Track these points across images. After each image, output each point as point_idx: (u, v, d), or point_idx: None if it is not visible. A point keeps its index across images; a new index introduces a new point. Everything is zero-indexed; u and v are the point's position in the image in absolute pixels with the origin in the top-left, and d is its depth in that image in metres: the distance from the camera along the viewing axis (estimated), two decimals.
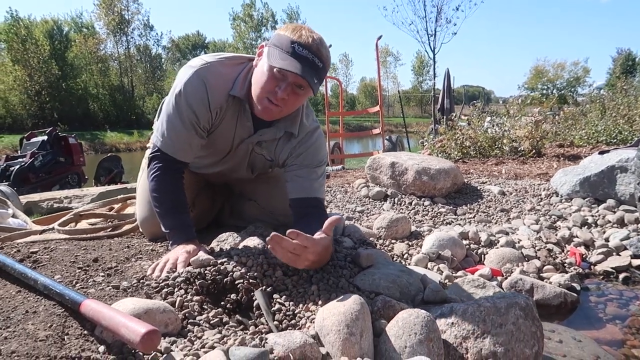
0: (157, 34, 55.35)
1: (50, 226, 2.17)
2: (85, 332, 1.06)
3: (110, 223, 2.20)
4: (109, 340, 1.04)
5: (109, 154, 11.79)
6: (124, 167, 11.77)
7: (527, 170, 3.55)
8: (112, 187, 5.52)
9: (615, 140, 4.82)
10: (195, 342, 1.06)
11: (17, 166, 8.64)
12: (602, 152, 3.56)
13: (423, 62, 56.22)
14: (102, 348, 1.01)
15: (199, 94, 1.57)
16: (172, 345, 1.04)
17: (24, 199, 4.52)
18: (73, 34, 37.28)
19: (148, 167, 1.69)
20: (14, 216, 2.59)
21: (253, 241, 1.61)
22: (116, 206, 2.39)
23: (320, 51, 1.48)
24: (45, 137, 9.47)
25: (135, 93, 39.26)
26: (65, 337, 1.04)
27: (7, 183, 7.63)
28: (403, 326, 1.12)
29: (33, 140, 9.62)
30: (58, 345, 1.00)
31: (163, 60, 45.16)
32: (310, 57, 1.46)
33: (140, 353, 0.99)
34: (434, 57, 19.78)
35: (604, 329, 1.52)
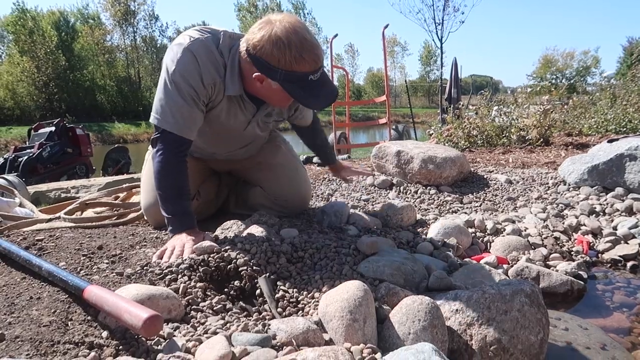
0: (162, 24, 55.20)
1: (57, 215, 2.18)
2: (89, 317, 1.07)
3: (115, 212, 2.21)
4: (112, 325, 1.04)
5: (116, 145, 11.84)
6: (131, 158, 11.83)
7: (535, 159, 3.51)
8: (119, 177, 5.54)
9: (624, 129, 4.76)
10: (198, 328, 1.06)
11: (26, 157, 8.69)
12: (611, 141, 3.52)
13: (430, 52, 55.76)
14: (105, 333, 1.01)
15: (194, 69, 1.57)
16: (175, 330, 1.04)
17: (31, 189, 4.54)
18: (79, 25, 37.31)
19: (153, 148, 1.68)
20: (20, 205, 2.60)
21: (257, 229, 1.60)
22: (121, 195, 2.40)
23: (321, 56, 1.53)
24: (53, 128, 9.51)
25: (142, 84, 39.31)
26: (69, 322, 1.04)
27: (15, 174, 7.68)
28: (407, 313, 1.11)
29: (41, 131, 9.67)
30: (62, 330, 1.00)
31: None
32: (321, 74, 1.54)
33: (143, 338, 0.99)
34: (442, 47, 19.61)
35: (611, 317, 1.51)
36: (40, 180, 8.73)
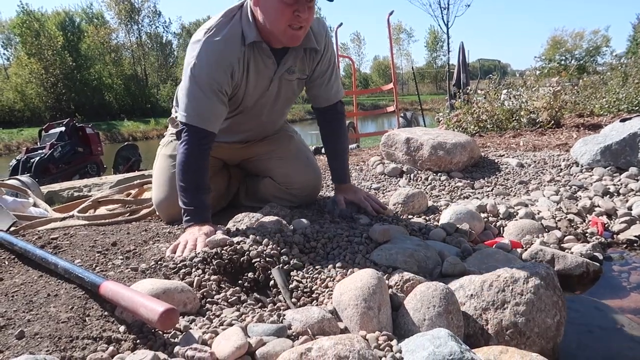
0: (165, 20, 55.25)
1: (70, 213, 2.21)
2: (106, 313, 1.08)
3: (127, 208, 2.23)
4: (129, 320, 1.05)
5: (126, 143, 11.92)
6: (141, 155, 11.92)
7: (546, 141, 3.47)
8: (130, 174, 5.58)
9: (637, 108, 4.68)
10: (213, 320, 1.07)
11: (37, 158, 8.78)
12: (623, 120, 3.46)
13: (436, 37, 55.18)
14: (122, 328, 1.02)
15: (213, 60, 1.61)
16: (191, 323, 1.05)
17: (44, 188, 4.59)
18: (85, 25, 37.47)
19: (178, 140, 1.71)
20: (34, 205, 2.64)
21: (269, 220, 1.61)
22: (133, 192, 2.41)
23: None
24: (63, 128, 9.59)
25: (149, 81, 39.47)
26: (87, 318, 1.05)
27: (28, 174, 7.77)
28: (421, 299, 1.11)
29: (51, 131, 9.75)
30: (80, 326, 1.02)
31: (174, 46, 45.13)
32: None
33: (160, 331, 1.00)
34: (448, 31, 19.39)
35: (628, 298, 1.49)
36: (52, 180, 8.81)
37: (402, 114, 7.41)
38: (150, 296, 1.01)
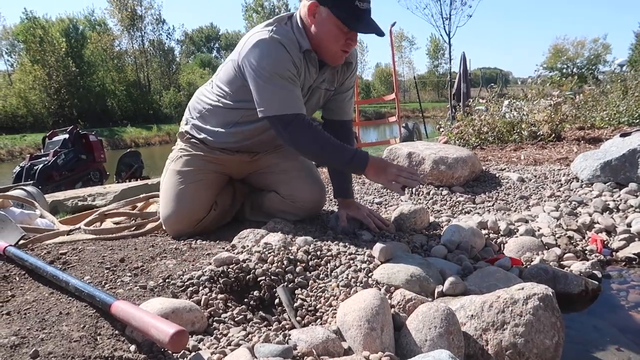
0: (168, 27, 55.62)
1: (77, 226, 2.24)
2: (117, 332, 1.11)
3: (133, 221, 2.27)
4: (139, 339, 1.08)
5: (128, 150, 11.99)
6: (143, 162, 11.98)
7: (547, 155, 3.51)
8: (134, 183, 5.63)
9: (638, 121, 4.72)
10: (221, 340, 1.10)
11: (41, 165, 8.85)
12: (623, 135, 3.50)
13: (438, 45, 55.44)
14: (133, 347, 1.05)
15: (284, 54, 1.72)
16: (199, 343, 1.08)
17: (49, 197, 4.64)
18: (88, 32, 37.70)
19: (283, 133, 1.77)
20: (41, 217, 2.67)
21: (273, 237, 1.64)
22: (139, 205, 2.45)
23: None
24: (67, 136, 9.67)
25: (152, 88, 39.65)
26: (98, 337, 1.09)
27: (32, 182, 7.81)
28: (423, 320, 1.14)
29: (55, 139, 9.83)
30: (92, 345, 1.05)
31: (177, 53, 45.42)
32: (368, 6, 1.70)
33: (170, 351, 1.03)
34: (449, 41, 19.50)
35: (626, 317, 1.52)
36: (56, 187, 8.88)
37: (404, 124, 7.45)
38: (160, 317, 1.04)
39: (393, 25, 6.55)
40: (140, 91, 38.23)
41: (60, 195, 4.82)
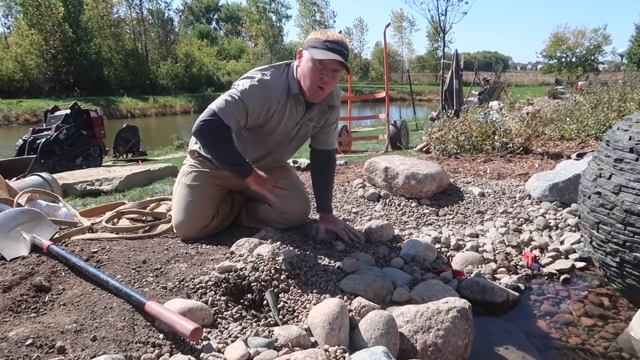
0: None
1: (99, 220, 2.66)
2: (149, 323, 1.53)
3: (146, 220, 2.69)
4: (164, 330, 1.51)
5: (125, 125, 12.27)
6: (140, 137, 12.33)
7: (511, 169, 3.92)
8: (137, 169, 6.00)
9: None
10: (224, 332, 1.54)
11: (44, 139, 9.19)
12: (579, 155, 3.93)
13: (437, 28, 55.23)
14: (161, 336, 1.48)
15: (261, 94, 2.13)
16: (208, 334, 1.51)
17: (59, 180, 5.03)
18: None
19: (201, 121, 2.08)
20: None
21: (265, 248, 2.07)
22: (151, 205, 2.87)
23: (344, 42, 2.12)
24: (69, 111, 9.97)
25: (149, 58, 39.45)
26: (135, 327, 1.51)
27: (34, 155, 8.14)
28: (370, 323, 1.57)
29: (57, 113, 10.14)
30: (132, 333, 1.47)
31: (176, 23, 44.99)
32: (338, 48, 2.07)
33: (188, 340, 1.47)
34: (444, 37, 19.69)
35: (535, 323, 1.96)
36: (57, 162, 9.25)
37: (392, 122, 7.84)
38: (181, 314, 1.47)
39: (387, 26, 6.87)
40: (137, 61, 38.06)
41: (69, 179, 5.21)
